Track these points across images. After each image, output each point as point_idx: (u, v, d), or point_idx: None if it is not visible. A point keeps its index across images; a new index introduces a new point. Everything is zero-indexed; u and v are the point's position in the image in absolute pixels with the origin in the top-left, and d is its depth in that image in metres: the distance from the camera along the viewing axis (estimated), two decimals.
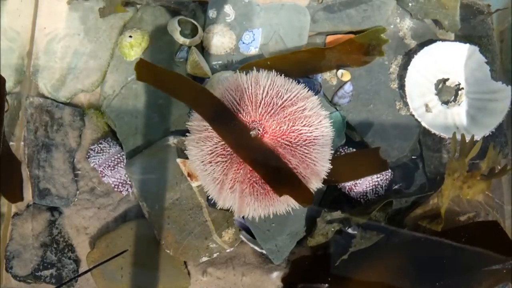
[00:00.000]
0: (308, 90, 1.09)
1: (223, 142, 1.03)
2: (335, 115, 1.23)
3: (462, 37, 1.27)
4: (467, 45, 1.23)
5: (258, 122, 1.02)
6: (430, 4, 1.26)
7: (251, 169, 1.02)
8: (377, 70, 1.26)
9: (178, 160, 1.18)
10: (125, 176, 1.25)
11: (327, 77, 1.27)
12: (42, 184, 1.26)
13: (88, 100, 1.33)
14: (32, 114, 1.28)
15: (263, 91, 1.04)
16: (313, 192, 1.07)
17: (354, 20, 1.26)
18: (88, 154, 1.27)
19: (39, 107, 1.28)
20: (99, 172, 1.25)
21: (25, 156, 1.28)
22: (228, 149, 1.03)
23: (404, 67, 1.25)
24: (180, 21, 1.29)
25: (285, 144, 1.02)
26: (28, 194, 1.28)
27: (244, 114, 1.03)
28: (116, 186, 1.25)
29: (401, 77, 1.26)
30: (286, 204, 1.07)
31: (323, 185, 1.10)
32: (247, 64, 1.21)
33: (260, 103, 1.02)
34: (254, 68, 1.20)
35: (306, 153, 1.03)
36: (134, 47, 1.28)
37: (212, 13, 1.31)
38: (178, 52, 1.29)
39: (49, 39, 1.31)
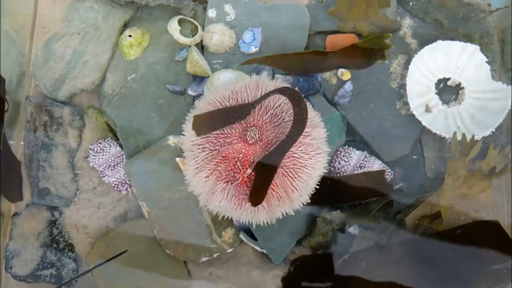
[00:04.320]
0: (321, 120, 1.08)
1: (218, 132, 1.02)
2: (335, 114, 1.23)
3: (463, 36, 1.27)
4: (468, 44, 1.23)
5: (258, 127, 1.01)
6: (430, 3, 1.26)
7: (232, 168, 1.01)
8: (378, 70, 1.26)
9: (178, 159, 1.18)
10: (124, 175, 1.24)
11: (327, 76, 1.27)
12: (42, 184, 1.26)
13: (87, 99, 1.33)
14: (32, 114, 1.27)
15: (277, 101, 1.03)
16: (279, 216, 1.07)
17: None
18: (88, 153, 1.27)
19: (39, 107, 1.28)
20: (99, 172, 1.25)
21: (24, 155, 1.28)
22: (220, 139, 1.02)
23: (404, 67, 1.25)
24: (180, 21, 1.29)
25: None
26: (27, 193, 1.28)
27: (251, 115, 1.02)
28: (116, 186, 1.25)
29: (402, 76, 1.25)
30: (250, 216, 1.06)
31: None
32: (247, 61, 1.21)
33: (269, 110, 1.02)
34: (280, 77, 1.21)
35: (290, 177, 1.02)
36: (134, 46, 1.28)
37: (212, 13, 1.31)
38: (178, 51, 1.28)
39: (48, 38, 1.31)
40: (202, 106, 1.07)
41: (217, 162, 1.02)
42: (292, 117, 1.00)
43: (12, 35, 1.30)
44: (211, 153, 1.03)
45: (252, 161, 1.01)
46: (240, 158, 1.01)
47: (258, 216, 1.06)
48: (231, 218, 1.08)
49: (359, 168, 1.20)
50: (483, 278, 1.06)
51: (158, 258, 1.21)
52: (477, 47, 1.22)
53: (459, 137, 1.13)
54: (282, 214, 1.08)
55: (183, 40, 1.28)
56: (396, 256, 1.12)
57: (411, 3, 1.27)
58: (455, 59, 1.23)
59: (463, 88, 1.25)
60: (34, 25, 1.34)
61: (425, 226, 1.15)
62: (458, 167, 1.13)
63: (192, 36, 1.28)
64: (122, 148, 1.26)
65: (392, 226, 1.16)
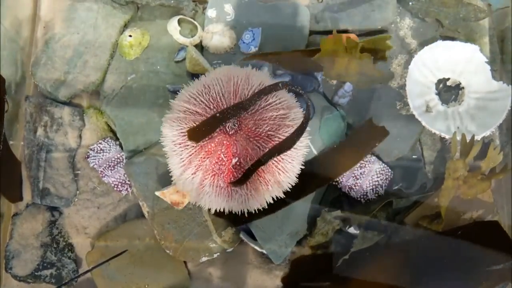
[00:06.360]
0: (297, 101, 1.08)
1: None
2: (335, 114, 1.23)
3: (463, 36, 1.27)
4: (468, 44, 1.23)
5: (236, 117, 1.01)
6: (431, 3, 1.26)
7: (216, 161, 1.02)
8: None
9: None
10: (124, 176, 1.24)
11: None
12: (42, 184, 1.26)
13: (87, 99, 1.33)
14: (32, 114, 1.27)
15: (251, 88, 1.03)
16: (269, 201, 1.07)
17: (354, 19, 1.26)
18: (88, 154, 1.27)
19: (39, 107, 1.28)
20: (99, 172, 1.25)
21: (24, 156, 1.28)
22: None
23: (404, 66, 1.25)
24: (179, 21, 1.29)
25: (257, 146, 1.01)
26: (27, 194, 1.28)
27: (226, 106, 1.02)
28: (116, 186, 1.25)
29: (402, 76, 1.25)
30: (242, 205, 1.07)
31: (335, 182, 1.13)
32: (247, 58, 1.21)
33: (244, 99, 1.02)
34: (250, 65, 1.20)
35: (275, 161, 1.03)
36: (134, 46, 1.28)
37: (211, 13, 1.31)
38: (178, 51, 1.28)
39: (48, 38, 1.31)
40: (178, 105, 1.06)
41: (202, 157, 1.03)
42: (268, 102, 1.02)
43: (12, 35, 1.30)
44: (195, 149, 1.03)
45: (235, 151, 1.01)
46: (223, 150, 1.01)
47: (249, 204, 1.06)
48: (223, 210, 1.08)
49: (359, 168, 1.20)
50: (483, 278, 1.06)
51: (158, 258, 1.21)
52: (477, 47, 1.22)
53: (458, 137, 1.13)
54: (275, 210, 1.09)
55: (182, 40, 1.28)
56: (396, 256, 1.12)
57: (411, 3, 1.27)
58: (455, 59, 1.23)
59: (463, 88, 1.25)
60: (34, 25, 1.35)
61: (425, 227, 1.15)
62: (458, 167, 1.13)
63: (192, 37, 1.28)
64: (122, 148, 1.26)
65: (392, 226, 1.16)
